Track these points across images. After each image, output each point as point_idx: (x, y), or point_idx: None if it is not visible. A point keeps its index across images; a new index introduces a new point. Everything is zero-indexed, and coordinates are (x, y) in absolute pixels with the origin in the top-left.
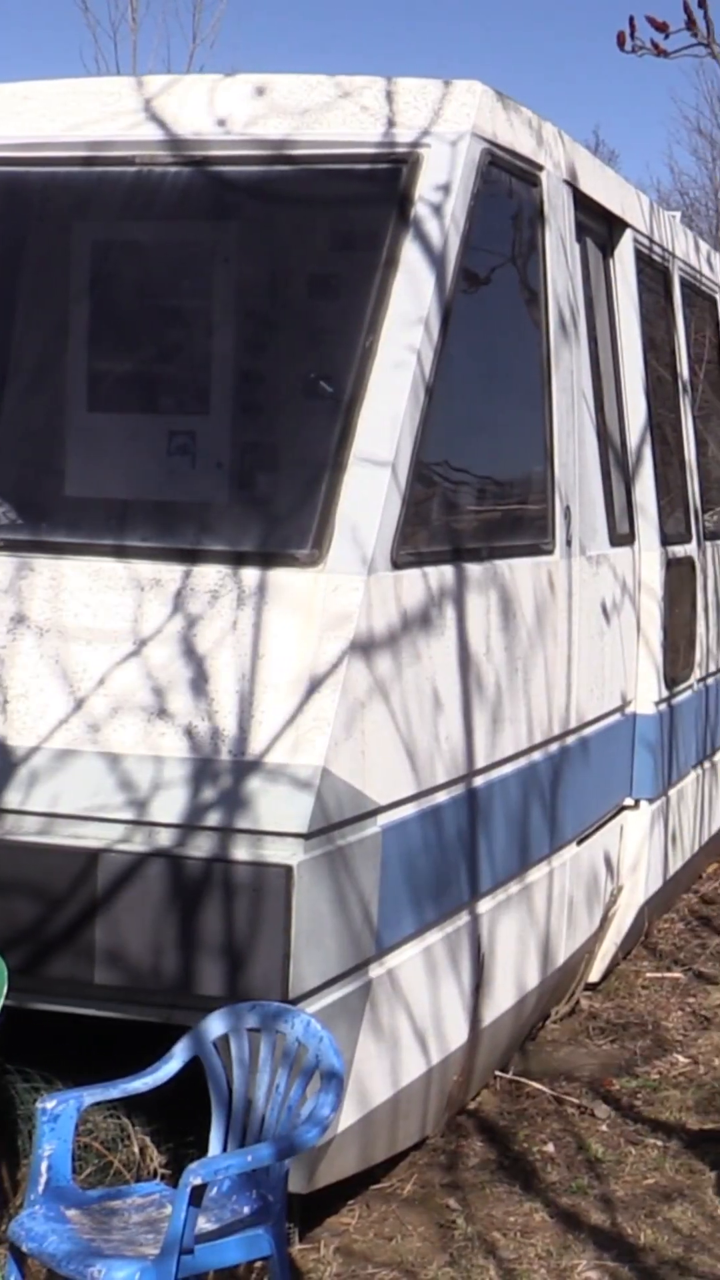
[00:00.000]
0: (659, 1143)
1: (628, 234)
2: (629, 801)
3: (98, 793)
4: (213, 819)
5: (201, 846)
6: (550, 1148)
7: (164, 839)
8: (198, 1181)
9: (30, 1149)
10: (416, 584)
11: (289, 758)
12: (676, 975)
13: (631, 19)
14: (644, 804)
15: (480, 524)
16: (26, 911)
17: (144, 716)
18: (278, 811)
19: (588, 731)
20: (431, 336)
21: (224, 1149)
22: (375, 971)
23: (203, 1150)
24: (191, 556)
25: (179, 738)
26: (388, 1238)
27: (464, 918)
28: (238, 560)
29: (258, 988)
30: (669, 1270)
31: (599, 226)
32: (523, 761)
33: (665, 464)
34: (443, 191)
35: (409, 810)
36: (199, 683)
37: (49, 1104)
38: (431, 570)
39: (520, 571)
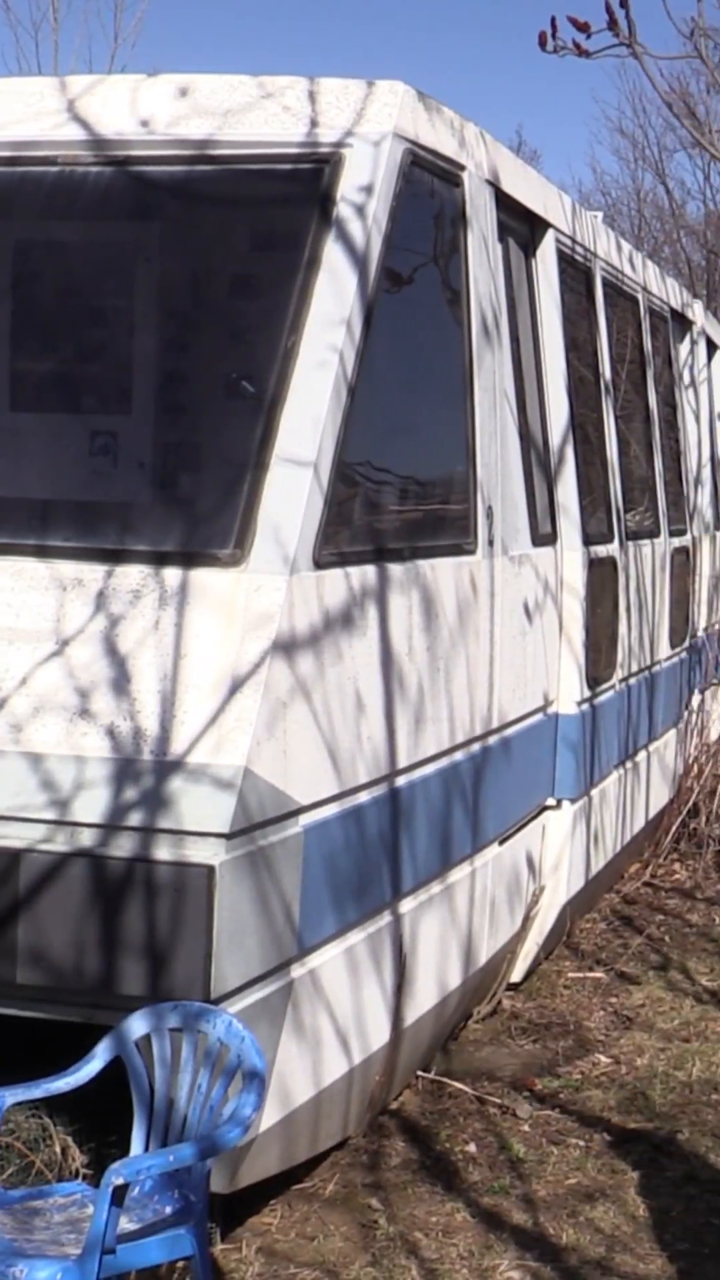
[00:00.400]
0: (581, 1143)
1: (550, 234)
2: (551, 801)
3: (19, 793)
4: (135, 819)
5: (123, 846)
6: (472, 1148)
7: (86, 839)
8: (120, 1181)
9: None
10: (339, 584)
11: (211, 758)
12: (598, 975)
13: (553, 19)
14: (566, 804)
15: (402, 524)
16: None
17: (66, 716)
18: (200, 811)
19: (510, 731)
20: (354, 337)
21: (146, 1149)
22: (297, 971)
23: (125, 1150)
24: (114, 556)
25: (101, 738)
26: (310, 1238)
27: (386, 918)
28: (160, 560)
29: (179, 987)
30: (591, 1270)
31: (521, 226)
32: (444, 761)
33: (587, 464)
34: (365, 192)
35: (331, 810)
36: (121, 683)
37: None
38: (354, 570)
39: (442, 571)
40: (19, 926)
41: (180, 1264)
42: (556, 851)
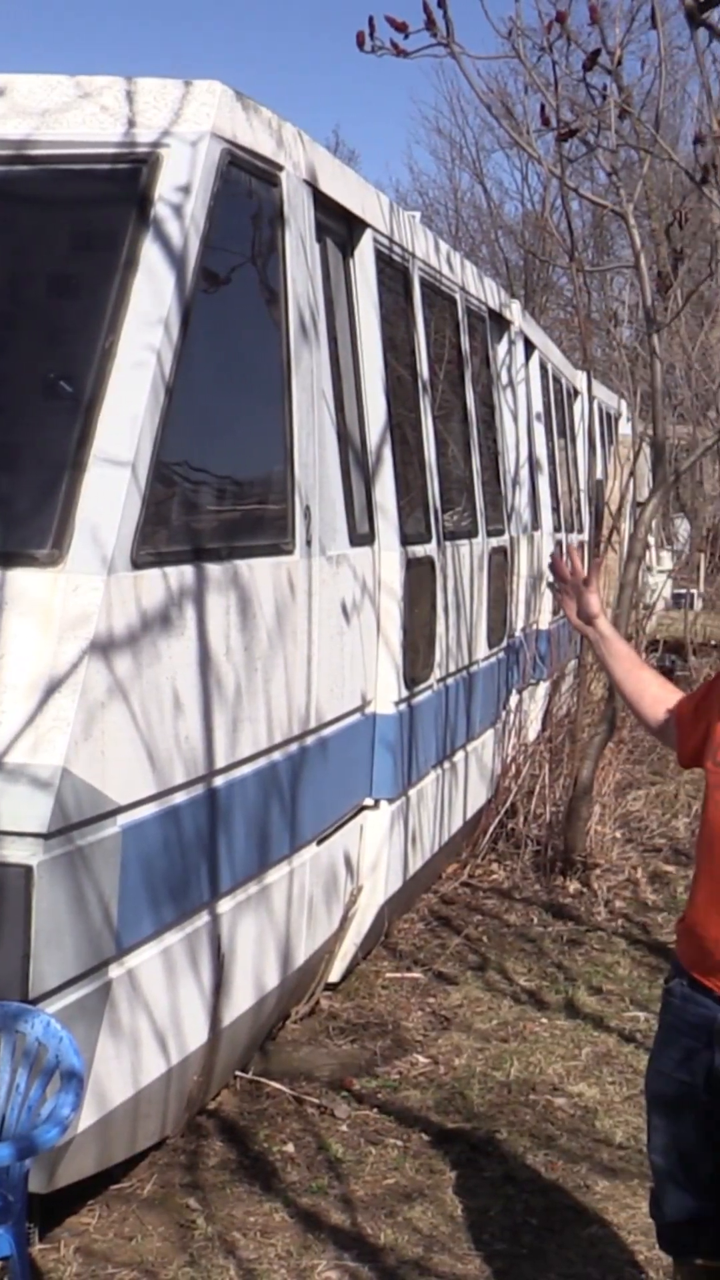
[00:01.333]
0: (399, 1143)
1: (368, 234)
2: (369, 801)
3: None
4: None
5: None
6: (290, 1148)
7: None
8: None
9: None
10: (156, 584)
11: (29, 758)
12: (416, 975)
13: (371, 19)
14: (384, 804)
15: (220, 524)
16: None
17: None
18: (17, 811)
19: (327, 731)
20: (171, 337)
21: None
22: (115, 972)
23: None
24: None
25: None
26: (128, 1238)
27: (203, 918)
28: None
29: None
30: (409, 1270)
31: (339, 226)
32: (262, 761)
33: (405, 464)
34: (182, 192)
35: (149, 810)
36: None
37: None
38: (172, 570)
39: (260, 571)
40: None
41: None
42: (374, 851)
